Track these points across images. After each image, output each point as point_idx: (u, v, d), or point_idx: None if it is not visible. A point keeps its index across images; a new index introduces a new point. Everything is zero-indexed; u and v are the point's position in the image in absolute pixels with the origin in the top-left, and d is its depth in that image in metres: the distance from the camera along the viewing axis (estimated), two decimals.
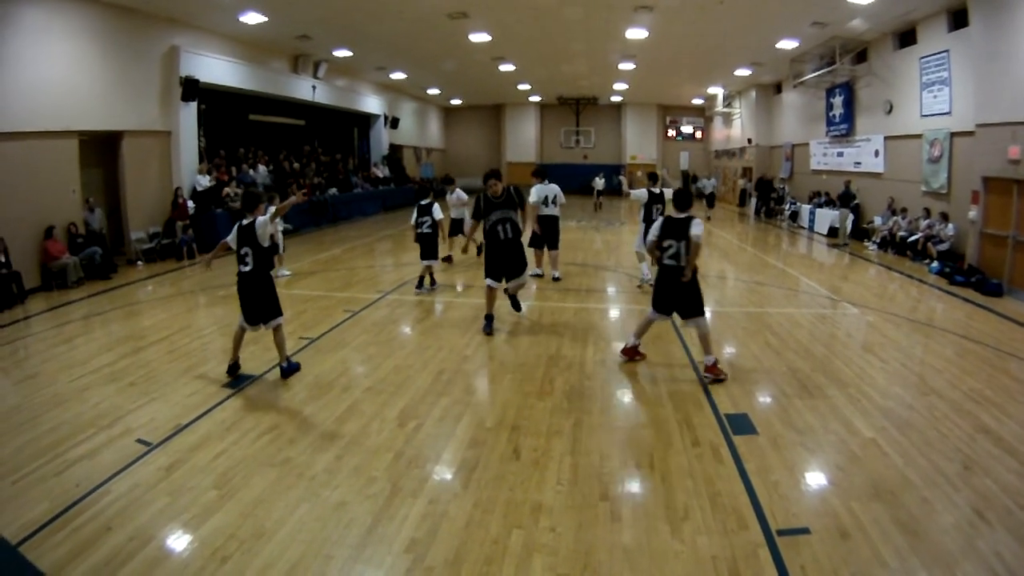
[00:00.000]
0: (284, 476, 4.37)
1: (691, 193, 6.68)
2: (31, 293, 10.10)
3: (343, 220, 20.99)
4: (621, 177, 12.90)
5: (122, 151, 12.90)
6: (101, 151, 12.72)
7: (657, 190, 9.72)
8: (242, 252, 6.10)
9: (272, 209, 6.13)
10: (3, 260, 9.50)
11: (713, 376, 6.06)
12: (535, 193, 10.36)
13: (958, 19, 12.34)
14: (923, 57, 13.52)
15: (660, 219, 6.29)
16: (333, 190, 21.01)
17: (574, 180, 32.30)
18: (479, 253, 12.02)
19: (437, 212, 9.89)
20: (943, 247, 12.34)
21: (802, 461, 4.61)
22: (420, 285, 10.07)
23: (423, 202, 9.97)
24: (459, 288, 10.44)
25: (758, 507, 3.98)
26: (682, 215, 6.15)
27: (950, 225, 12.55)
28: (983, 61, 10.99)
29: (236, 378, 6.23)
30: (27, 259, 10.30)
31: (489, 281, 7.77)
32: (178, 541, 3.66)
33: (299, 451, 4.75)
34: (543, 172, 10.83)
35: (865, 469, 4.44)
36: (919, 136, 13.76)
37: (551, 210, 10.47)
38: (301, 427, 5.19)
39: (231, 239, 6.22)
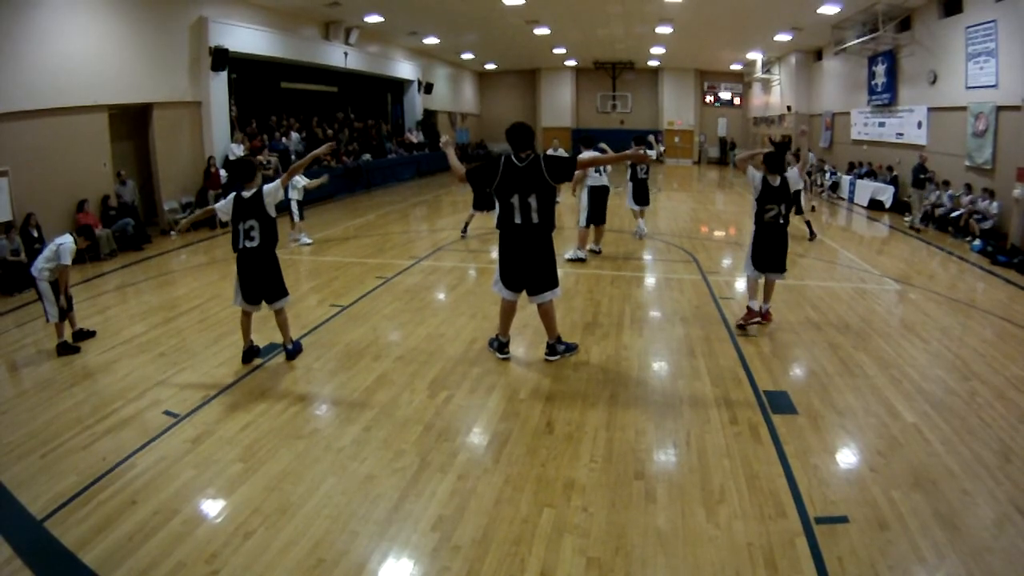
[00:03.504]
0: (311, 448, 4.34)
1: (782, 157, 6.79)
2: None
3: (377, 186, 20.95)
4: (651, 137, 12.48)
5: (153, 123, 12.93)
6: (132, 123, 12.76)
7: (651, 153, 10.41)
8: (246, 227, 5.56)
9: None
10: (36, 235, 9.56)
11: (767, 321, 6.79)
12: (586, 154, 9.54)
13: None
14: (969, 27, 12.85)
15: (761, 184, 6.54)
16: (367, 156, 20.94)
17: (610, 145, 31.93)
18: (463, 232, 11.86)
19: None
20: (986, 225, 11.82)
21: (842, 444, 4.45)
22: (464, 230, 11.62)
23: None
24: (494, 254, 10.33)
25: (796, 492, 3.83)
26: (775, 181, 6.49)
27: (995, 203, 12.02)
28: None
29: (251, 361, 5.90)
30: (60, 232, 10.31)
31: (498, 289, 5.75)
32: (202, 516, 3.64)
33: (327, 423, 4.72)
34: (590, 139, 10.02)
35: (906, 456, 4.26)
36: (964, 108, 13.15)
37: (602, 179, 9.82)
38: (330, 398, 5.16)
39: (222, 209, 5.70)
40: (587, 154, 9.17)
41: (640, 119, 33.90)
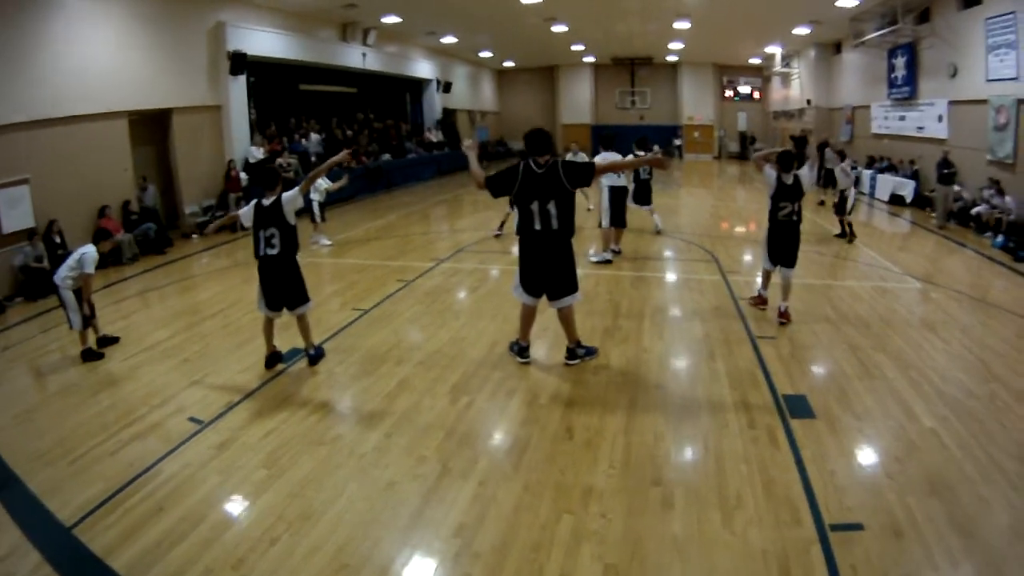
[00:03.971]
0: (333, 455, 4.43)
1: (794, 156, 7.02)
2: None
3: (398, 186, 21.03)
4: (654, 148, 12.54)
5: (173, 128, 13.09)
6: (152, 129, 12.91)
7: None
8: (267, 234, 5.64)
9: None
10: (59, 241, 9.71)
11: (787, 320, 6.97)
12: (604, 157, 9.35)
13: None
14: (989, 18, 12.63)
15: (775, 180, 6.87)
16: (387, 156, 21.06)
17: (630, 142, 31.90)
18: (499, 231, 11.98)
19: None
20: (1010, 218, 11.67)
21: (859, 449, 4.46)
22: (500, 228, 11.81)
23: None
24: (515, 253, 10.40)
25: (812, 498, 3.85)
26: (789, 179, 6.82)
27: (1007, 198, 11.86)
28: None
29: (274, 367, 5.98)
30: (82, 239, 10.36)
31: (518, 294, 5.80)
32: (227, 522, 3.73)
33: (349, 428, 4.82)
34: (611, 139, 9.98)
35: (923, 461, 4.26)
36: (985, 102, 12.94)
37: (620, 180, 9.81)
38: (352, 403, 5.26)
39: (244, 215, 5.82)
40: (603, 156, 9.27)
41: (659, 114, 33.76)
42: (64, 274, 6.37)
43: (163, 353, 6.52)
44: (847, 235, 11.47)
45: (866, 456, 4.37)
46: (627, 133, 32.62)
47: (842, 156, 12.09)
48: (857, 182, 16.92)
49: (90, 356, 6.41)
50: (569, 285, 5.64)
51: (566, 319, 5.77)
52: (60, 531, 3.68)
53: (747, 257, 10.34)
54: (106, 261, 10.52)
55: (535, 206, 5.35)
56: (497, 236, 11.87)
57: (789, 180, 6.84)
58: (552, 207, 5.33)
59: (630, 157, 9.56)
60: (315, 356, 6.07)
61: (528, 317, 5.88)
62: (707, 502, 3.85)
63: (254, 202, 5.79)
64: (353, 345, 6.51)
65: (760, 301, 7.47)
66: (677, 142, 33.03)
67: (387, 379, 5.65)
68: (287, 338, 6.40)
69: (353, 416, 5.02)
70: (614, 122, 33.87)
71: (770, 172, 6.88)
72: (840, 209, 11.58)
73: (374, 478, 4.14)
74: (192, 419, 5.00)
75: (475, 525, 3.66)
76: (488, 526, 3.65)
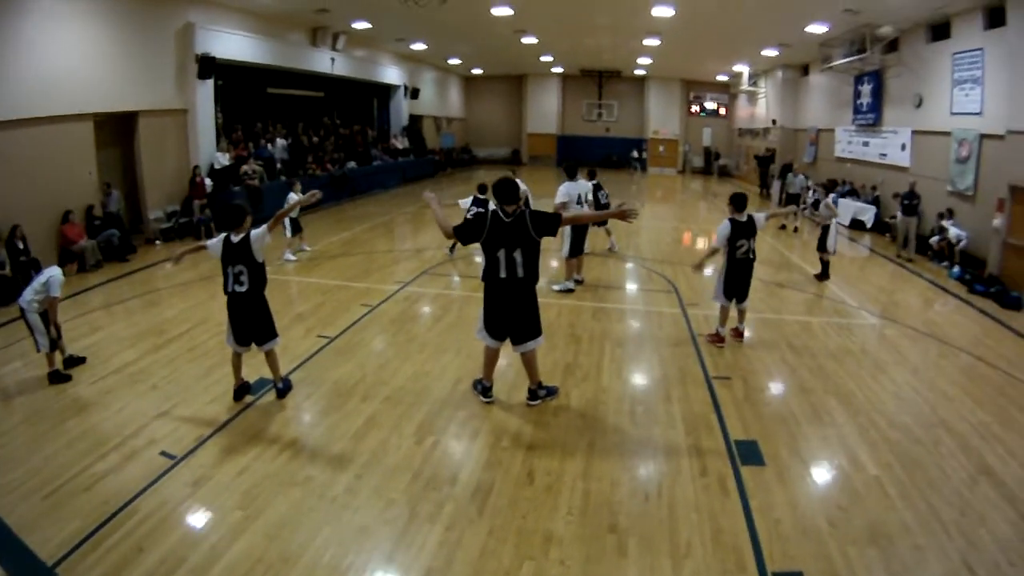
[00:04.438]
0: (306, 497, 4.54)
1: (745, 195, 7.63)
2: None
3: (363, 194, 21.07)
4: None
5: (138, 131, 12.93)
6: (117, 131, 12.75)
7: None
8: (235, 271, 5.70)
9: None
10: (22, 247, 9.59)
11: (740, 339, 7.80)
12: (564, 192, 9.54)
13: (994, 17, 12.00)
14: (956, 53, 13.19)
15: (727, 223, 7.35)
16: (352, 164, 21.04)
17: (595, 153, 32.68)
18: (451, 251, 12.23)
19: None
20: (961, 246, 12.24)
21: (805, 497, 4.71)
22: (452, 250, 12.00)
23: (481, 196, 10.96)
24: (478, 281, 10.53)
25: (757, 546, 4.11)
26: (743, 218, 7.36)
27: (952, 229, 12.46)
28: (1020, 65, 10.78)
29: (242, 399, 6.06)
30: (45, 244, 10.42)
31: (482, 337, 5.91)
32: (208, 565, 3.83)
33: (320, 469, 4.92)
34: (574, 168, 9.89)
35: (865, 510, 4.54)
36: (948, 134, 13.48)
37: (582, 210, 9.65)
38: (321, 441, 5.35)
39: (213, 248, 5.80)
40: (567, 188, 9.52)
41: (626, 127, 34.36)
42: (30, 297, 6.33)
43: (131, 377, 6.53)
44: (823, 275, 11.07)
45: (811, 505, 4.62)
46: (593, 144, 33.60)
47: (828, 189, 11.52)
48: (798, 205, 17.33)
49: (57, 379, 6.41)
50: (532, 330, 5.80)
51: (529, 362, 5.94)
52: (44, 570, 3.75)
53: (706, 285, 10.32)
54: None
55: (501, 254, 5.50)
56: (450, 256, 12.12)
57: (743, 219, 7.39)
58: (518, 255, 5.49)
59: (586, 209, 9.64)
60: (283, 389, 6.15)
61: (491, 358, 6.02)
62: (659, 550, 4.08)
63: (223, 236, 5.83)
64: (320, 377, 6.60)
65: (718, 339, 7.75)
66: (635, 155, 33.57)
67: (354, 416, 5.76)
68: (255, 367, 6.46)
69: (323, 455, 5.11)
70: (581, 133, 34.48)
71: (721, 229, 7.40)
72: (822, 246, 10.86)
73: (346, 522, 4.27)
74: (164, 454, 5.06)
75: (443, 569, 3.85)
76: (455, 571, 3.84)
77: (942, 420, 5.98)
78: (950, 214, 12.98)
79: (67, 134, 11.02)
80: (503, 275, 5.54)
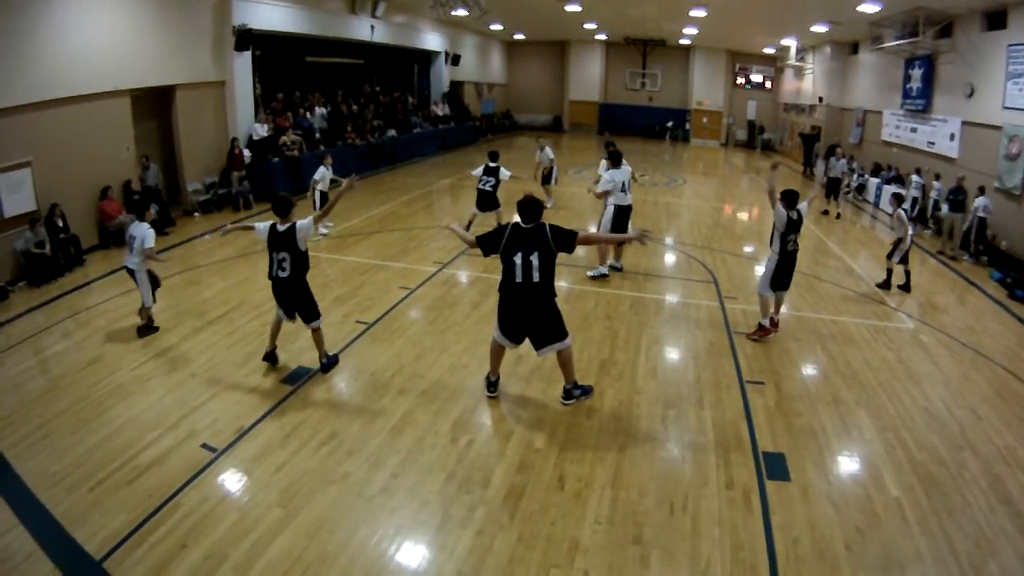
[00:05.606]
0: (344, 495, 4.77)
1: (797, 192, 7.63)
2: (89, 252, 10.44)
3: (402, 162, 21.14)
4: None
5: (176, 104, 13.06)
6: (155, 105, 12.88)
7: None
8: (279, 257, 6.16)
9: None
10: (61, 225, 9.81)
11: (776, 329, 8.05)
12: (608, 180, 9.57)
13: None
14: (1012, 44, 12.66)
15: (784, 213, 7.49)
16: (392, 132, 21.10)
17: (637, 123, 32.24)
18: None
19: (504, 173, 11.53)
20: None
21: (825, 518, 4.76)
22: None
23: (492, 164, 11.53)
24: None
25: (774, 566, 4.23)
26: (795, 215, 7.57)
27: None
28: None
29: (273, 364, 6.67)
30: (85, 221, 10.64)
31: (496, 334, 6.05)
32: (249, 563, 4.07)
33: (357, 466, 5.13)
34: (619, 156, 9.89)
35: (881, 535, 4.59)
36: (999, 128, 13.01)
37: (628, 199, 9.77)
38: (358, 437, 5.53)
39: (260, 232, 6.25)
40: (610, 176, 9.54)
41: (669, 97, 33.81)
42: (136, 259, 7.24)
43: (171, 364, 6.76)
44: (905, 285, 10.29)
45: (830, 525, 4.68)
46: (636, 113, 33.16)
47: (899, 200, 10.66)
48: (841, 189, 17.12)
49: (147, 331, 7.42)
50: (554, 333, 5.85)
51: (564, 363, 6.05)
52: (91, 564, 4.01)
53: (746, 279, 10.38)
54: (109, 243, 10.76)
55: (518, 258, 5.57)
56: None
57: (795, 216, 7.61)
58: (535, 259, 5.54)
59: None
60: (327, 364, 6.62)
61: (497, 352, 6.14)
62: (680, 565, 4.23)
63: (270, 224, 6.21)
64: (358, 367, 6.80)
65: (765, 332, 7.94)
66: (669, 125, 33.07)
67: (391, 411, 5.95)
68: (294, 354, 6.81)
69: (360, 452, 5.32)
70: (623, 101, 34.05)
71: (781, 211, 7.47)
72: (896, 256, 10.14)
73: (382, 521, 4.49)
74: (205, 446, 5.30)
75: (472, 575, 4.04)
76: None
77: (969, 442, 5.91)
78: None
79: (104, 111, 11.12)
80: (519, 279, 5.60)
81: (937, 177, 14.54)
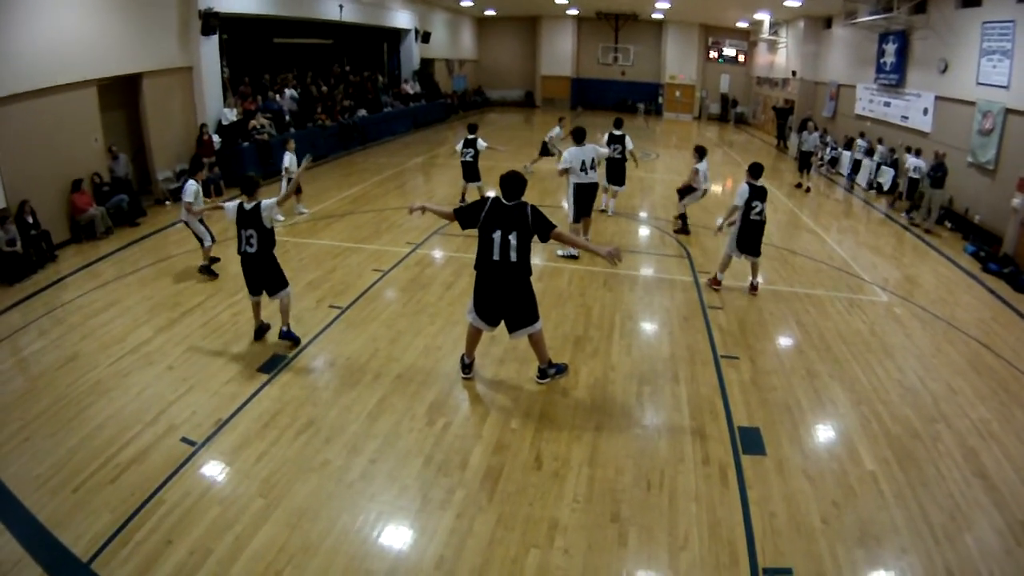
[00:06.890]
0: (324, 483, 4.74)
1: (762, 165, 8.37)
2: (60, 247, 10.16)
3: (373, 141, 20.87)
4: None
5: (143, 92, 12.71)
6: (121, 94, 12.50)
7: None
8: (247, 234, 6.45)
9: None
10: (31, 221, 9.53)
11: (755, 292, 8.69)
12: (570, 158, 9.41)
13: None
14: (986, 22, 12.69)
15: (746, 187, 8.18)
16: (363, 112, 20.80)
17: (610, 97, 32.19)
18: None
19: (480, 144, 12.17)
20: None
21: (801, 492, 4.82)
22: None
23: (471, 136, 12.18)
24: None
25: (751, 540, 4.30)
26: (759, 183, 8.23)
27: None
28: None
29: (263, 338, 6.95)
30: (56, 215, 10.35)
31: (472, 318, 5.99)
32: (234, 555, 4.04)
33: (336, 453, 5.10)
34: (582, 133, 9.80)
35: (857, 508, 4.66)
36: (972, 104, 13.11)
37: (590, 177, 9.56)
38: (336, 424, 5.49)
39: (229, 211, 6.55)
40: (571, 153, 9.50)
41: (642, 71, 33.74)
42: (185, 216, 8.65)
43: (147, 358, 6.62)
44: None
45: (806, 499, 4.74)
46: (609, 88, 33.05)
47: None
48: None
49: (207, 272, 8.83)
50: (526, 316, 5.82)
51: (536, 344, 6.02)
52: (79, 567, 3.94)
53: (720, 249, 10.01)
54: (80, 237, 10.50)
55: (497, 235, 5.53)
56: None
57: (758, 184, 8.25)
58: (513, 238, 5.49)
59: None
60: (286, 334, 6.83)
61: (473, 335, 6.12)
62: (658, 541, 4.28)
63: (237, 203, 6.52)
64: (333, 353, 6.74)
65: (716, 283, 8.81)
66: (641, 107, 33.13)
67: (367, 396, 5.91)
68: (268, 349, 6.76)
69: (339, 439, 5.27)
70: (595, 76, 33.95)
71: (740, 190, 8.11)
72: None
73: (362, 508, 4.48)
74: (185, 440, 5.22)
75: (454, 557, 4.07)
76: (465, 559, 4.07)
77: (943, 415, 5.99)
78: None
79: (70, 103, 10.75)
80: (496, 257, 5.57)
81: (918, 153, 14.60)
